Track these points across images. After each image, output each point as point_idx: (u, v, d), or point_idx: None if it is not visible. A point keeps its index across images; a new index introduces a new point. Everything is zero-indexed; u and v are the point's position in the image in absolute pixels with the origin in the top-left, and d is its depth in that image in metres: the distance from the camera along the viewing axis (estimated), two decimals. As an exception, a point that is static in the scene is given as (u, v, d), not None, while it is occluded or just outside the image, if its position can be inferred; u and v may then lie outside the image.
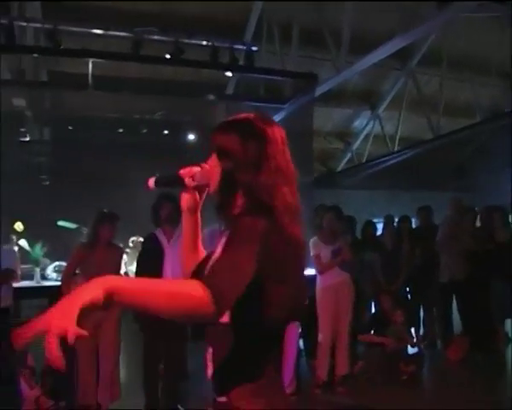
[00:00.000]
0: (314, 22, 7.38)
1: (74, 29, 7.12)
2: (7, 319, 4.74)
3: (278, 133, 1.56)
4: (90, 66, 7.03)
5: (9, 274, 4.81)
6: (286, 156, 1.55)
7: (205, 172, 1.61)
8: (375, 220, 7.64)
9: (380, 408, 4.84)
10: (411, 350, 6.40)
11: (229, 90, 8.94)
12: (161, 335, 4.39)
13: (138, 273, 4.63)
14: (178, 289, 1.22)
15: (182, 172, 1.62)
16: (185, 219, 1.71)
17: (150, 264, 4.39)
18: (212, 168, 1.61)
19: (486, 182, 9.88)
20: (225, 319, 1.39)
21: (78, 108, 9.11)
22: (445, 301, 6.68)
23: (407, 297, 7.12)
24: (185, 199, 1.68)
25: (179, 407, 4.57)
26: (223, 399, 1.44)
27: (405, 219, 7.34)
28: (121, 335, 4.82)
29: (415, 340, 6.11)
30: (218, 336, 1.44)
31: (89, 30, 7.23)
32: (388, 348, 5.91)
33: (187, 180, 1.62)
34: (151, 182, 1.62)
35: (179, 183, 1.63)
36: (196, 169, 1.62)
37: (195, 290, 1.20)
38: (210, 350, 1.49)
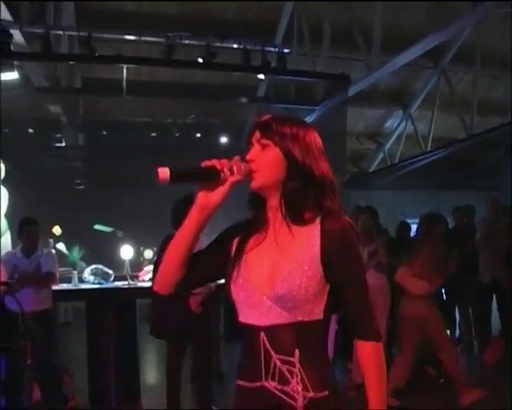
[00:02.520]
0: (344, 23, 7.35)
1: (108, 36, 7.24)
2: (47, 320, 4.84)
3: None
4: (125, 71, 7.12)
5: (49, 277, 4.92)
6: None
7: (255, 165, 1.50)
8: (408, 221, 7.57)
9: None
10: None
11: (261, 93, 8.97)
12: (185, 338, 4.43)
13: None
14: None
15: (217, 164, 1.43)
16: (202, 218, 1.49)
17: None
18: (260, 160, 1.51)
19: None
20: (317, 315, 1.48)
21: (111, 113, 9.27)
22: (484, 302, 6.57)
23: (443, 299, 7.03)
24: (217, 195, 1.46)
25: (213, 407, 4.59)
26: (324, 393, 1.46)
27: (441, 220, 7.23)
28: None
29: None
30: (308, 335, 1.47)
31: (122, 36, 7.34)
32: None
33: (223, 174, 1.44)
34: (164, 173, 1.36)
35: (212, 176, 1.43)
36: (236, 161, 1.47)
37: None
38: (296, 353, 1.45)
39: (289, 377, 1.44)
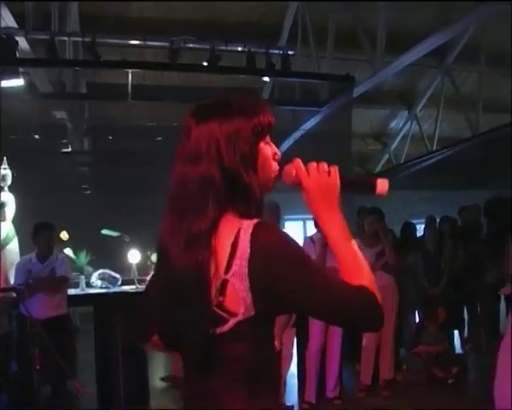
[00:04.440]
0: (348, 23, 7.34)
1: (112, 41, 7.27)
2: (62, 326, 4.83)
3: None
4: (130, 76, 7.14)
5: (63, 282, 4.93)
6: None
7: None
8: (415, 221, 7.57)
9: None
10: (457, 350, 6.33)
11: (265, 95, 8.97)
12: None
13: None
14: None
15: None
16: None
17: None
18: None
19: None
20: None
21: (116, 118, 9.29)
22: (492, 301, 6.55)
23: (451, 299, 7.00)
24: None
25: None
26: None
27: (446, 220, 7.23)
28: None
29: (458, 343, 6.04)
30: None
31: (126, 41, 7.36)
32: (422, 355, 5.90)
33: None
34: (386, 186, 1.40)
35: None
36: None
37: None
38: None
39: None
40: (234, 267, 1.26)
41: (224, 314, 1.26)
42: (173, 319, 1.33)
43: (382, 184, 1.38)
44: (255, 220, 1.30)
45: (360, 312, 1.27)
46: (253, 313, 1.26)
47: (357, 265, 1.33)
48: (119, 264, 6.24)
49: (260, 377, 1.31)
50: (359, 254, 1.36)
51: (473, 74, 9.65)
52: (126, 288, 5.78)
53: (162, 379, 5.92)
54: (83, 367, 5.45)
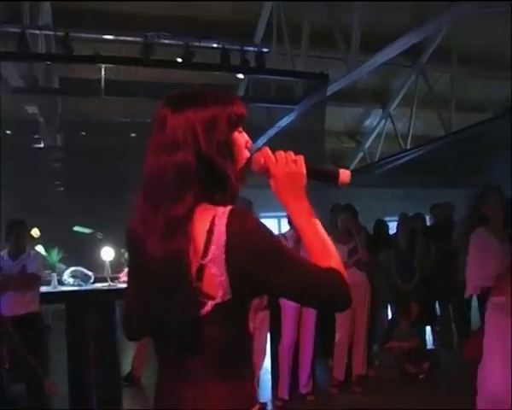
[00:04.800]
0: (323, 22, 7.37)
1: (85, 35, 7.17)
2: (33, 324, 4.76)
3: None
4: (103, 71, 7.06)
5: (33, 279, 4.85)
6: None
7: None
8: (388, 219, 7.63)
9: (396, 408, 4.86)
10: (429, 346, 6.40)
11: (241, 92, 8.95)
12: None
13: None
14: None
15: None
16: None
17: None
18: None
19: (506, 178, 9.75)
20: None
21: (90, 114, 9.17)
22: (463, 298, 6.63)
23: (423, 296, 7.09)
24: None
25: None
26: None
27: (418, 217, 7.31)
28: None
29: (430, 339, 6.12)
30: None
31: (99, 36, 7.27)
32: (394, 351, 5.97)
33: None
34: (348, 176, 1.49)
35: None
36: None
37: None
38: None
39: None
40: (210, 253, 1.28)
41: (203, 299, 1.29)
42: (155, 307, 1.34)
43: (344, 175, 1.47)
44: (229, 207, 1.32)
45: (330, 292, 1.32)
46: (229, 296, 1.29)
47: (325, 249, 1.37)
48: (91, 261, 6.17)
49: (236, 360, 1.36)
50: (327, 238, 1.40)
51: (445, 74, 9.77)
52: (99, 285, 5.72)
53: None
54: (55, 366, 5.38)
